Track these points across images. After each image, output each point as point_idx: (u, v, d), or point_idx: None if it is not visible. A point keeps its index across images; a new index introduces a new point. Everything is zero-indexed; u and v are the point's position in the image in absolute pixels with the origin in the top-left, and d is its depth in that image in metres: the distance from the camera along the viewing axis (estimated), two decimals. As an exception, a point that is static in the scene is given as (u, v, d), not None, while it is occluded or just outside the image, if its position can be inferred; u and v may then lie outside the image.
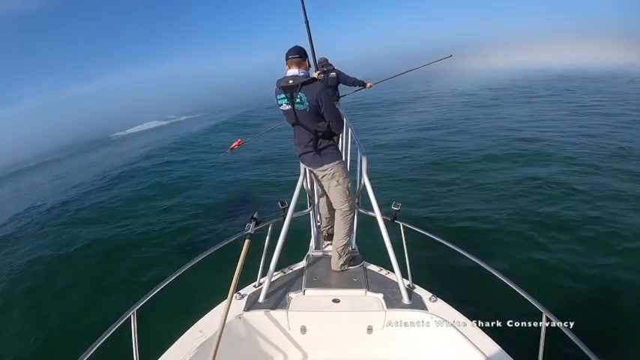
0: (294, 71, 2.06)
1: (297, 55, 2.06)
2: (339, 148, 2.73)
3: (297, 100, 2.02)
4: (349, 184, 2.41)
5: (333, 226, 2.63)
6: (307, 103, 2.03)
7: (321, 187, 2.54)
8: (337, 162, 2.31)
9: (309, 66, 2.19)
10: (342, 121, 2.37)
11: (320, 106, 2.04)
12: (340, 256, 2.44)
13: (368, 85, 4.45)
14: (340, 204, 2.39)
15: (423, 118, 15.15)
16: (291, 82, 2.02)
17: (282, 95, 2.09)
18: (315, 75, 2.48)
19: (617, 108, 14.77)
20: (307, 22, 3.04)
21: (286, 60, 2.09)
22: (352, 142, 3.02)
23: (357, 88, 4.47)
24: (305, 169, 2.47)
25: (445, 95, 21.90)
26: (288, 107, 2.09)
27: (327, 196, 2.56)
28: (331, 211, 2.66)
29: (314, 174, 2.43)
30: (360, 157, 2.47)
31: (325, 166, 2.27)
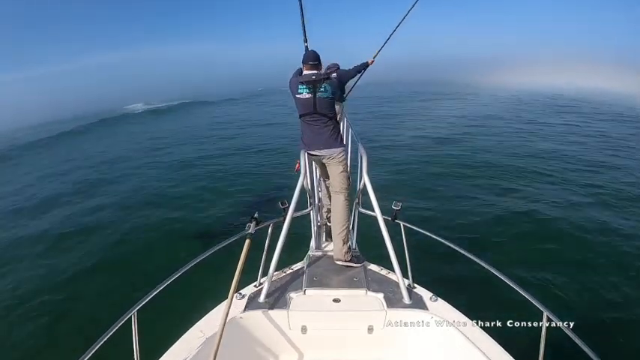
0: (314, 71, 2.58)
1: (316, 61, 2.60)
2: None
3: (322, 89, 2.51)
4: (350, 174, 2.73)
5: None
6: (330, 91, 2.54)
7: (325, 174, 2.85)
8: (344, 148, 2.70)
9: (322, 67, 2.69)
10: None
11: (337, 90, 2.68)
12: (344, 243, 2.51)
13: (369, 61, 4.47)
14: (342, 189, 2.63)
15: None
16: (314, 77, 2.51)
17: (304, 86, 2.53)
18: None
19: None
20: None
21: (306, 63, 2.59)
22: (352, 142, 3.03)
23: (362, 72, 4.50)
24: (306, 167, 2.47)
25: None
26: (308, 95, 2.53)
27: (329, 188, 2.81)
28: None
29: (320, 161, 2.71)
30: (361, 157, 2.46)
31: (335, 150, 2.61)
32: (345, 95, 4.82)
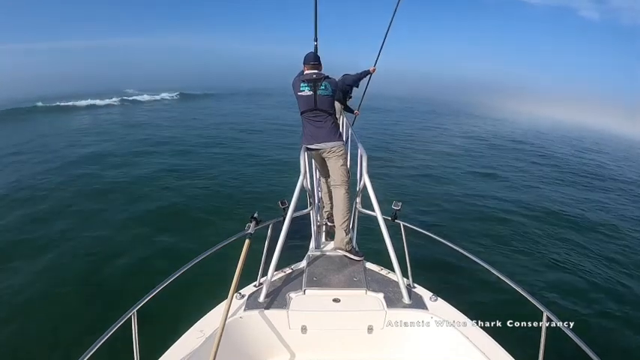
0: (315, 70, 2.71)
1: (317, 62, 2.75)
2: None
3: (322, 87, 2.65)
4: (349, 168, 2.82)
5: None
6: (330, 89, 2.68)
7: (325, 173, 2.93)
8: (343, 142, 2.80)
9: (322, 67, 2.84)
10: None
11: (337, 89, 2.79)
12: (346, 234, 2.59)
13: (371, 69, 4.61)
14: (342, 182, 2.72)
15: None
16: (314, 76, 2.67)
17: (305, 84, 2.67)
18: None
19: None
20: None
21: (307, 63, 2.73)
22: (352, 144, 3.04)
23: (368, 79, 4.62)
24: (306, 166, 2.48)
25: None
26: (309, 93, 2.67)
27: (329, 187, 2.90)
28: (331, 196, 2.93)
29: (320, 156, 2.78)
30: (360, 157, 2.47)
31: (335, 143, 2.72)
32: (349, 96, 4.91)
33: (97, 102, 24.47)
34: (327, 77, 2.70)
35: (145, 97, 28.08)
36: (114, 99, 25.76)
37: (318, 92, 2.66)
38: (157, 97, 28.55)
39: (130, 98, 27.29)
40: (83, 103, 23.46)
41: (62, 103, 22.80)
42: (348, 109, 5.08)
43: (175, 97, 29.40)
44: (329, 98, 2.70)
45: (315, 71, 2.72)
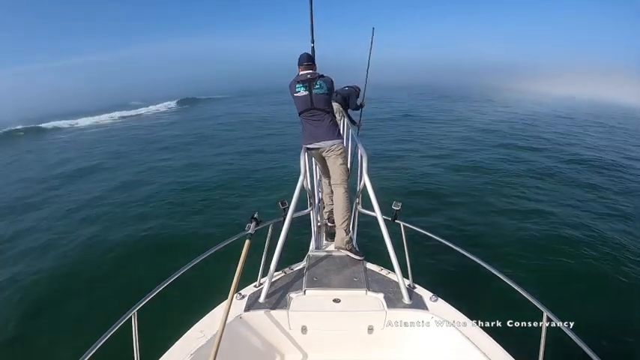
0: (309, 70, 2.73)
1: (311, 62, 2.78)
2: None
3: (317, 86, 2.65)
4: (349, 167, 2.83)
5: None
6: (325, 88, 2.68)
7: (326, 172, 2.94)
8: (342, 141, 2.81)
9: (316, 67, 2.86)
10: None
11: (333, 89, 2.79)
12: (346, 233, 2.62)
13: (363, 105, 4.95)
14: (342, 181, 2.74)
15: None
16: (309, 76, 2.68)
17: (300, 85, 2.69)
18: None
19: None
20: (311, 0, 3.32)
21: (301, 64, 2.75)
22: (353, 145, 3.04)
23: (360, 110, 4.91)
24: (306, 167, 2.49)
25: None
26: (305, 93, 2.68)
27: (329, 182, 2.90)
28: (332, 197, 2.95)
29: (320, 155, 2.79)
30: (361, 157, 2.47)
31: (334, 141, 2.72)
32: (349, 108, 5.04)
33: (104, 116, 25.09)
34: (322, 76, 2.71)
35: (151, 108, 28.85)
36: (119, 112, 26.42)
37: (314, 91, 2.67)
38: (162, 106, 29.31)
39: (136, 111, 27.97)
40: (85, 121, 23.84)
41: (65, 122, 23.33)
42: (351, 120, 5.13)
43: (183, 107, 29.99)
44: (325, 96, 2.70)
45: (310, 71, 2.73)
